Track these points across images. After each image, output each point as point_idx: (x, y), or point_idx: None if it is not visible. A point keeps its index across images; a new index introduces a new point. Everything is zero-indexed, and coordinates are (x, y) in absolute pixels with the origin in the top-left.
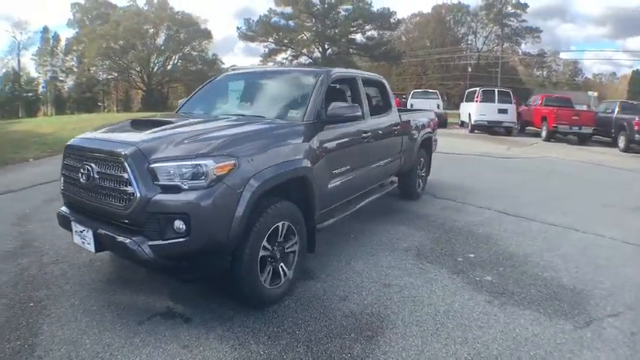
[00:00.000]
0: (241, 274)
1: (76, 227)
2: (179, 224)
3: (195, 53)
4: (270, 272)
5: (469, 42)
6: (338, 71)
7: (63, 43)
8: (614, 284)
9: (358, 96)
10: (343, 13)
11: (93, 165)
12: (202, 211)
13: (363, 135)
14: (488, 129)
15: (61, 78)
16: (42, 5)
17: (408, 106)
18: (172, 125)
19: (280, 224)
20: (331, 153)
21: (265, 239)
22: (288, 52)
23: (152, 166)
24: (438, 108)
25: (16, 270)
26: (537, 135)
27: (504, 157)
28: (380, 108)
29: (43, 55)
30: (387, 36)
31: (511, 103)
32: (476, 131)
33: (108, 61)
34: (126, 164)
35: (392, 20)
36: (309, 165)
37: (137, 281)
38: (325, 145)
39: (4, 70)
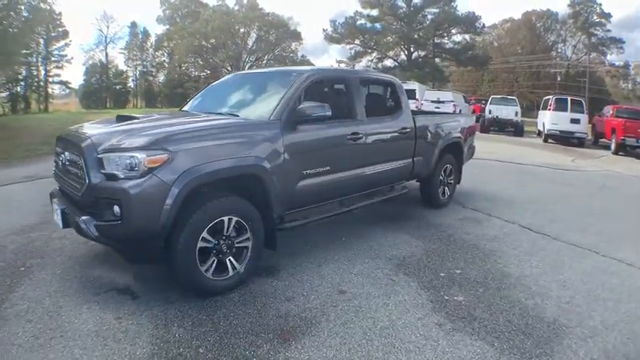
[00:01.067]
0: (176, 262)
1: (54, 205)
2: (117, 209)
3: (285, 54)
4: (214, 264)
5: (558, 50)
6: (322, 72)
7: (153, 38)
8: (604, 322)
9: (351, 97)
10: (430, 16)
11: (67, 153)
12: (132, 199)
13: (354, 136)
14: (563, 139)
15: (152, 72)
16: (129, 1)
17: (486, 112)
18: (138, 121)
19: (226, 219)
20: (302, 152)
21: (206, 231)
22: (374, 55)
23: (99, 156)
24: (516, 115)
25: (25, 241)
26: (609, 147)
27: (564, 169)
28: (385, 109)
29: (132, 49)
30: (479, 41)
31: (583, 112)
32: (550, 141)
33: (199, 59)
34: (82, 153)
35: (477, 25)
36: (262, 163)
37: (116, 260)
38: (294, 143)
39: (90, 62)
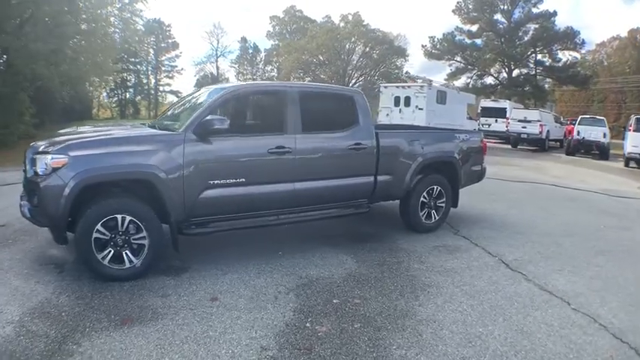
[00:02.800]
0: (76, 247)
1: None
2: (36, 198)
3: (390, 71)
4: (110, 254)
5: None
6: (243, 88)
7: (262, 53)
8: None
9: (281, 111)
10: (532, 32)
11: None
12: (40, 191)
13: (279, 149)
14: None
15: None
16: (239, 16)
17: (575, 133)
18: (78, 130)
19: (119, 217)
20: (207, 163)
21: (100, 225)
22: (474, 72)
23: (33, 156)
24: (604, 137)
25: (30, 223)
26: None
27: (622, 196)
28: (335, 124)
29: (242, 63)
30: (590, 60)
31: None
32: (631, 165)
33: (306, 75)
34: (26, 153)
35: (577, 41)
36: (154, 170)
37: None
38: (198, 154)
39: (201, 74)
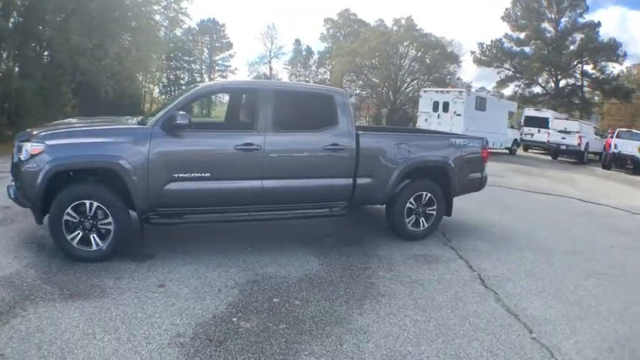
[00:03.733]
0: (49, 227)
1: None
2: (19, 181)
3: (442, 76)
4: (79, 237)
5: None
6: (213, 86)
7: (316, 56)
8: None
9: (252, 108)
10: (578, 41)
11: None
12: (20, 175)
13: (246, 147)
14: None
15: None
16: (292, 18)
17: (612, 146)
18: (62, 122)
19: (88, 202)
20: (171, 156)
21: (70, 208)
22: (522, 81)
23: (19, 143)
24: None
25: None
26: None
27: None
28: (311, 124)
29: (295, 65)
30: (635, 74)
31: None
32: None
33: (356, 77)
34: (16, 141)
35: (619, 52)
36: (118, 160)
37: None
38: (163, 147)
39: (254, 74)
